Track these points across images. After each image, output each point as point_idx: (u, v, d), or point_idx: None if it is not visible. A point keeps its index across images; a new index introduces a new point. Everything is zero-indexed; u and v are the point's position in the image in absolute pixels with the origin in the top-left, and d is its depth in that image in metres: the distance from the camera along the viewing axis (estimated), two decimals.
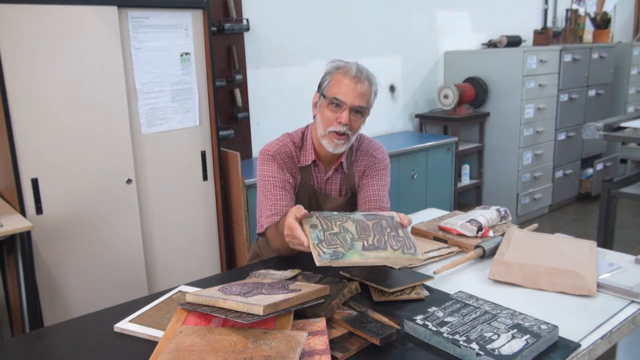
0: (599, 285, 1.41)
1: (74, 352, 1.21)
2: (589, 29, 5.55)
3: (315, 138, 1.76)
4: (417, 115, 4.50)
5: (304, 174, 1.78)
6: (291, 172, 1.76)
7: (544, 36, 4.84)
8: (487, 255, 1.62)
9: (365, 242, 1.34)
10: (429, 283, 1.45)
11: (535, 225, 1.84)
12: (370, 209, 1.73)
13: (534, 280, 1.43)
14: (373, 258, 1.30)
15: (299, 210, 1.37)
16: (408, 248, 1.35)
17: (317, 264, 1.25)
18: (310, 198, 1.79)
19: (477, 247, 1.64)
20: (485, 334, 1.14)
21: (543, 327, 1.16)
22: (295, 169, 1.77)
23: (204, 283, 1.51)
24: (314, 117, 1.77)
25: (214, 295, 1.17)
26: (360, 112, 1.68)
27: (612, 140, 4.41)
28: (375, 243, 1.34)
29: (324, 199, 1.80)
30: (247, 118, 3.36)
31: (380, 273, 1.48)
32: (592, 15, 5.58)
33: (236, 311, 1.10)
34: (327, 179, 1.81)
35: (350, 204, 1.83)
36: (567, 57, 4.60)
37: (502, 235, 1.73)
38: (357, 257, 1.29)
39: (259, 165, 1.76)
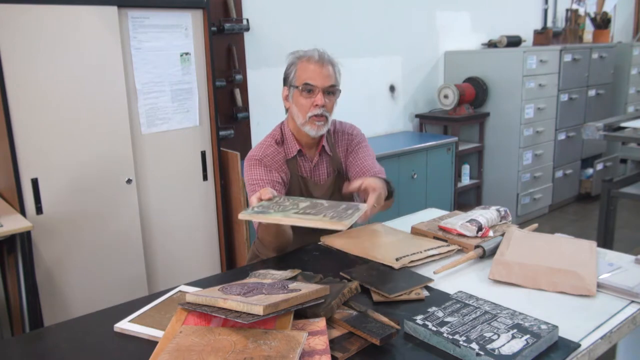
0: (599, 285, 1.41)
1: (74, 352, 1.21)
2: (589, 29, 5.56)
3: (294, 129, 1.85)
4: (417, 115, 4.50)
5: (291, 166, 1.84)
6: (280, 170, 1.81)
7: (544, 36, 4.85)
8: (487, 255, 1.62)
9: (300, 211, 1.37)
10: (428, 283, 1.46)
11: (535, 225, 1.84)
12: (369, 171, 1.85)
13: (534, 280, 1.43)
14: (295, 218, 1.32)
15: (265, 192, 1.46)
16: (339, 218, 1.32)
17: (239, 217, 1.36)
18: (301, 187, 1.85)
19: (477, 247, 1.63)
20: (485, 334, 1.14)
21: (543, 327, 1.16)
22: (283, 164, 1.83)
23: (204, 283, 1.51)
24: (287, 110, 1.86)
25: (214, 295, 1.17)
26: (332, 92, 1.78)
27: (612, 140, 4.41)
28: (312, 212, 1.36)
29: (313, 185, 1.87)
30: (247, 118, 3.36)
31: (380, 276, 1.48)
32: (592, 15, 5.58)
33: (236, 311, 1.10)
34: (314, 166, 1.88)
35: (338, 184, 1.90)
36: (567, 57, 4.60)
37: (502, 235, 1.73)
38: (280, 216, 1.34)
39: (246, 172, 1.81)
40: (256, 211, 1.37)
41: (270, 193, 1.47)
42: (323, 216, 1.33)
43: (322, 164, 1.89)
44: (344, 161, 1.92)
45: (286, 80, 1.82)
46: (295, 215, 1.34)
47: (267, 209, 1.38)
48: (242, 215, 1.37)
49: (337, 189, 1.90)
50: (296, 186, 1.84)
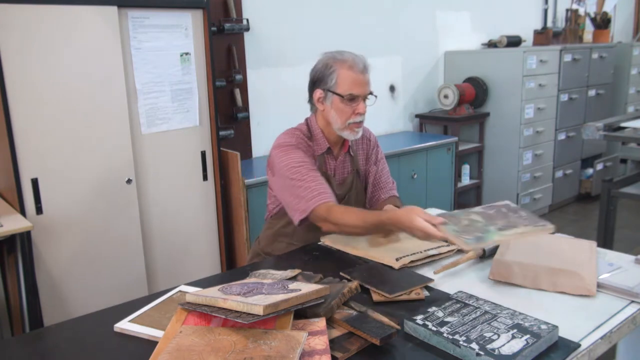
0: (599, 285, 1.41)
1: (74, 352, 1.21)
2: (589, 29, 5.56)
3: (324, 127, 1.86)
4: (417, 115, 4.50)
5: (319, 161, 1.85)
6: (313, 159, 1.83)
7: (544, 36, 4.85)
8: (487, 255, 1.62)
9: (496, 225, 1.43)
10: (428, 283, 1.46)
11: None
12: (381, 194, 1.94)
13: (534, 280, 1.43)
14: (512, 235, 1.39)
15: (429, 215, 1.46)
16: (536, 223, 1.42)
17: (466, 248, 1.42)
18: None
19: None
20: (485, 334, 1.14)
21: (543, 327, 1.16)
22: (313, 157, 1.84)
23: (204, 283, 1.51)
24: (316, 110, 1.86)
25: (214, 295, 1.17)
26: (369, 97, 1.80)
27: (612, 140, 4.41)
28: (506, 224, 1.43)
29: (336, 183, 1.89)
30: (247, 118, 3.36)
31: (380, 276, 1.48)
32: (592, 15, 5.58)
33: (236, 311, 1.10)
34: (338, 164, 1.90)
35: (356, 183, 1.93)
36: (567, 57, 4.60)
37: None
38: (497, 237, 1.40)
39: (281, 157, 1.77)
40: (474, 239, 1.38)
41: (428, 214, 1.48)
42: (524, 226, 1.42)
43: (345, 162, 1.92)
44: (362, 164, 1.97)
45: (320, 82, 1.80)
46: (501, 231, 1.41)
47: (473, 233, 1.40)
48: (469, 246, 1.40)
49: (355, 188, 1.93)
50: None
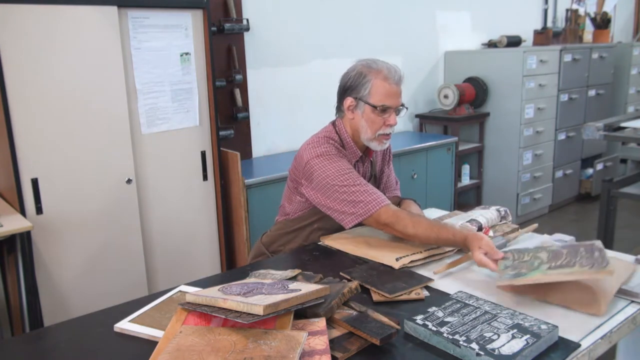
0: None
1: (74, 352, 1.21)
2: (589, 29, 5.55)
3: (353, 136, 1.84)
4: (417, 115, 4.50)
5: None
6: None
7: (544, 36, 4.84)
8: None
9: (552, 264, 1.34)
10: (428, 283, 1.46)
11: (535, 225, 1.84)
12: (385, 194, 1.90)
13: (544, 292, 1.36)
14: (556, 275, 1.29)
15: (491, 249, 1.46)
16: (599, 264, 1.28)
17: (497, 284, 1.36)
18: None
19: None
20: (485, 334, 1.14)
21: (543, 327, 1.16)
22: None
23: (204, 283, 1.51)
24: (343, 116, 1.83)
25: (214, 295, 1.17)
26: (401, 108, 1.80)
27: (612, 140, 4.41)
28: (564, 264, 1.33)
29: None
30: (247, 118, 3.36)
31: (380, 276, 1.48)
32: (592, 15, 5.58)
33: (236, 311, 1.10)
34: (365, 170, 1.92)
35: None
36: (567, 57, 4.60)
37: (503, 235, 1.73)
38: (538, 275, 1.31)
39: (326, 165, 1.73)
40: (511, 275, 1.35)
41: (494, 249, 1.46)
42: (580, 266, 1.30)
43: (368, 168, 1.93)
44: (379, 167, 1.99)
45: (351, 90, 1.77)
46: (551, 271, 1.31)
47: (518, 270, 1.36)
48: (500, 282, 1.36)
49: None
50: None
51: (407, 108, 1.82)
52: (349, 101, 1.78)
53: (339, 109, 1.85)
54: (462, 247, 1.60)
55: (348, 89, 1.78)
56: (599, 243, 1.40)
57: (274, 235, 1.95)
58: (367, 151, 1.90)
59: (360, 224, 1.80)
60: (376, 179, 1.98)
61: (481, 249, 1.47)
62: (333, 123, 1.87)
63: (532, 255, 1.42)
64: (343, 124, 1.84)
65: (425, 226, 1.62)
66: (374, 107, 1.73)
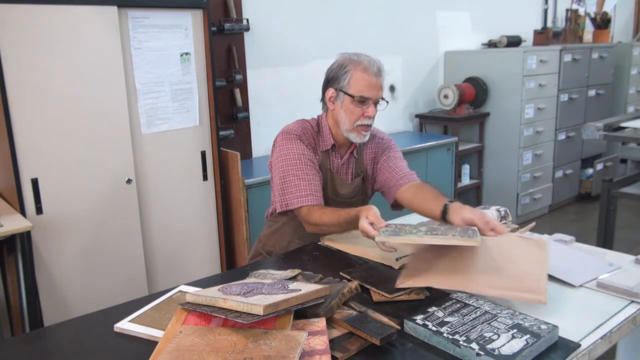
0: (599, 285, 1.41)
1: (74, 352, 1.21)
2: (589, 29, 5.55)
3: (333, 126, 1.86)
4: (417, 115, 4.50)
5: (322, 157, 1.87)
6: (314, 153, 1.84)
7: (544, 36, 4.84)
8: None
9: (429, 233, 1.40)
10: None
11: (533, 224, 1.84)
12: (397, 180, 1.86)
13: (465, 282, 1.30)
14: (429, 238, 1.36)
15: (377, 218, 1.50)
16: (470, 236, 1.36)
17: (376, 239, 1.43)
18: (327, 181, 1.87)
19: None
20: (485, 334, 1.14)
21: (543, 327, 1.16)
22: (316, 151, 1.86)
23: (204, 283, 1.51)
24: (327, 109, 1.87)
25: (214, 295, 1.17)
26: (380, 102, 1.80)
27: (612, 140, 4.41)
28: (439, 234, 1.39)
29: (340, 182, 1.89)
30: (247, 118, 3.36)
31: (380, 276, 1.48)
32: (592, 15, 5.58)
33: (236, 311, 1.10)
34: (342, 164, 1.90)
35: (362, 188, 1.94)
36: (567, 57, 4.60)
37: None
38: (415, 237, 1.38)
39: (283, 145, 1.81)
40: (389, 232, 1.43)
41: (379, 218, 1.51)
42: (452, 236, 1.37)
43: (349, 164, 1.92)
44: (368, 167, 1.95)
45: (332, 81, 1.81)
46: (426, 235, 1.38)
47: (396, 232, 1.43)
48: (379, 238, 1.43)
49: (361, 192, 1.94)
50: (324, 179, 1.87)
51: (387, 102, 1.82)
52: (330, 92, 1.82)
53: (323, 101, 1.88)
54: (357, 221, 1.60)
55: (330, 80, 1.83)
56: (475, 229, 1.44)
57: (266, 234, 1.98)
58: (350, 145, 1.90)
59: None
60: (364, 180, 1.94)
61: (367, 218, 1.51)
62: (319, 115, 1.93)
63: (413, 227, 1.48)
64: (326, 116, 1.89)
65: (329, 213, 1.70)
66: (352, 97, 1.76)
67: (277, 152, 1.83)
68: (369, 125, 1.81)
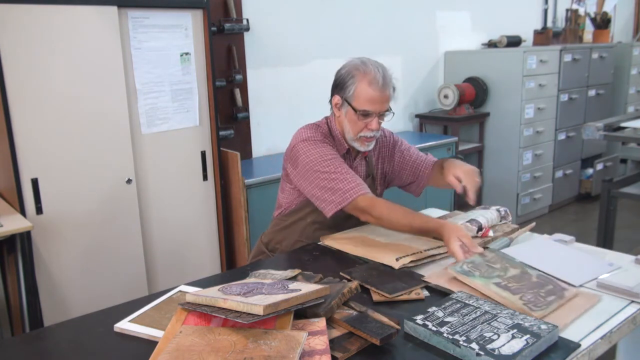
0: (599, 285, 1.41)
1: (74, 352, 1.21)
2: (589, 29, 5.55)
3: (341, 131, 1.85)
4: (417, 115, 4.50)
5: None
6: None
7: (544, 36, 4.84)
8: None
9: (503, 282, 1.36)
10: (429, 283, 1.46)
11: (533, 224, 1.84)
12: (419, 168, 1.98)
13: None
14: (492, 292, 1.32)
15: (470, 241, 1.52)
16: (535, 304, 1.28)
17: (449, 269, 1.44)
18: None
19: (485, 249, 1.63)
20: (485, 334, 1.14)
21: (543, 327, 1.16)
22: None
23: (204, 283, 1.51)
24: (333, 114, 1.86)
25: (214, 295, 1.17)
26: (386, 113, 1.78)
27: (612, 140, 4.41)
28: (512, 288, 1.35)
29: None
30: (247, 118, 3.36)
31: (380, 276, 1.48)
32: (592, 15, 5.58)
33: (236, 311, 1.10)
34: (355, 166, 1.90)
35: (372, 188, 1.92)
36: (567, 57, 4.60)
37: (503, 235, 1.73)
38: (480, 283, 1.35)
39: (310, 150, 1.76)
40: (464, 270, 1.41)
41: (470, 239, 1.53)
42: (519, 298, 1.30)
43: (361, 166, 1.92)
44: (377, 166, 1.97)
45: (339, 88, 1.79)
46: (495, 287, 1.34)
47: (474, 270, 1.41)
48: (451, 270, 1.42)
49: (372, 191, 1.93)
50: None
51: (393, 113, 1.80)
52: (335, 99, 1.81)
53: (331, 105, 1.87)
54: (435, 235, 1.62)
55: (337, 86, 1.81)
56: (571, 291, 1.37)
57: (271, 232, 1.97)
58: (359, 150, 1.90)
59: (363, 223, 1.81)
60: (374, 179, 1.96)
61: (460, 240, 1.51)
62: (327, 117, 1.91)
63: (502, 266, 1.45)
64: (334, 120, 1.87)
65: (400, 213, 1.66)
66: (354, 108, 1.75)
67: (305, 159, 1.76)
68: (373, 137, 1.80)
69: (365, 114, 1.74)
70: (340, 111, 1.80)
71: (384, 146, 1.98)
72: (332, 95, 1.84)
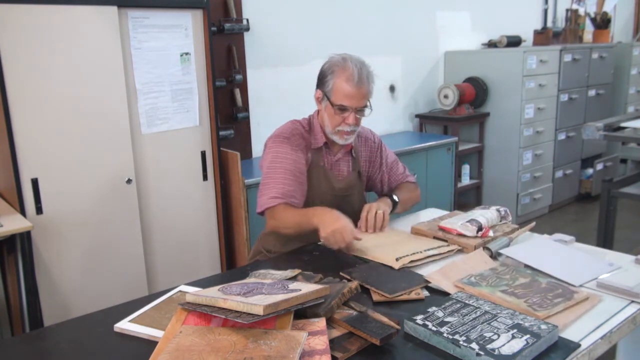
0: (599, 285, 1.41)
1: (74, 352, 1.21)
2: (589, 29, 5.55)
3: (323, 125, 1.88)
4: (417, 115, 4.50)
5: (315, 155, 1.89)
6: (304, 151, 1.86)
7: (544, 36, 4.84)
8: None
9: (510, 289, 1.37)
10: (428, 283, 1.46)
11: (533, 224, 1.84)
12: (391, 187, 2.04)
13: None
14: (498, 297, 1.32)
15: (347, 235, 1.61)
16: (539, 305, 1.29)
17: (455, 283, 1.43)
18: (320, 177, 1.89)
19: (485, 248, 1.64)
20: (485, 334, 1.14)
21: (543, 327, 1.16)
22: (307, 148, 1.88)
23: (204, 283, 1.51)
24: (318, 109, 1.90)
25: (214, 295, 1.17)
26: (364, 109, 1.82)
27: (612, 140, 4.41)
28: (518, 294, 1.35)
29: (335, 178, 1.92)
30: (247, 118, 3.36)
31: (380, 276, 1.48)
32: (592, 15, 5.58)
33: (236, 311, 1.10)
34: (336, 160, 1.93)
35: (358, 184, 1.98)
36: (567, 57, 4.60)
37: (503, 235, 1.73)
38: (487, 291, 1.35)
39: (271, 148, 1.86)
40: (472, 282, 1.42)
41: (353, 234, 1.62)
42: (524, 301, 1.31)
43: (344, 161, 1.95)
44: (365, 165, 2.02)
45: (321, 83, 1.84)
46: (500, 294, 1.34)
47: (481, 281, 1.41)
48: (458, 284, 1.42)
49: (357, 188, 1.98)
50: (316, 175, 1.89)
51: (371, 109, 1.84)
52: (317, 93, 1.86)
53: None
54: (313, 226, 1.67)
55: (319, 80, 1.85)
56: (582, 293, 1.37)
57: (266, 232, 1.98)
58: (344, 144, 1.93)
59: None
60: (360, 175, 2.00)
61: (331, 237, 1.60)
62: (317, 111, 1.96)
63: (511, 275, 1.45)
64: (317, 115, 1.92)
65: (290, 214, 1.74)
66: (331, 103, 1.79)
67: (264, 155, 1.89)
68: (351, 131, 1.83)
69: (342, 109, 1.78)
70: (321, 105, 1.86)
71: (372, 151, 2.04)
72: (315, 89, 1.89)
